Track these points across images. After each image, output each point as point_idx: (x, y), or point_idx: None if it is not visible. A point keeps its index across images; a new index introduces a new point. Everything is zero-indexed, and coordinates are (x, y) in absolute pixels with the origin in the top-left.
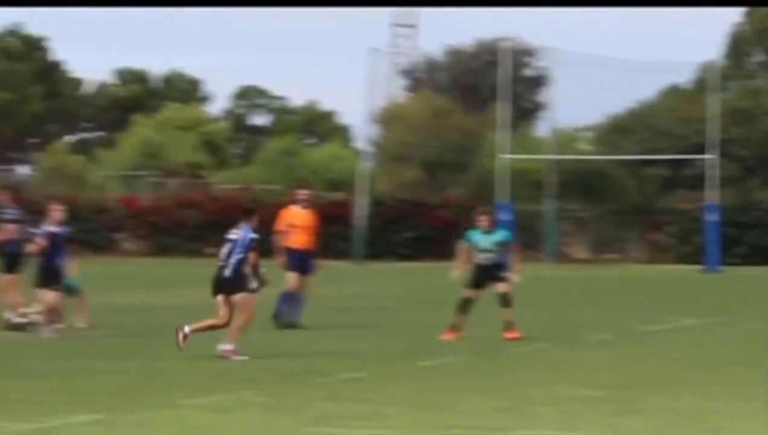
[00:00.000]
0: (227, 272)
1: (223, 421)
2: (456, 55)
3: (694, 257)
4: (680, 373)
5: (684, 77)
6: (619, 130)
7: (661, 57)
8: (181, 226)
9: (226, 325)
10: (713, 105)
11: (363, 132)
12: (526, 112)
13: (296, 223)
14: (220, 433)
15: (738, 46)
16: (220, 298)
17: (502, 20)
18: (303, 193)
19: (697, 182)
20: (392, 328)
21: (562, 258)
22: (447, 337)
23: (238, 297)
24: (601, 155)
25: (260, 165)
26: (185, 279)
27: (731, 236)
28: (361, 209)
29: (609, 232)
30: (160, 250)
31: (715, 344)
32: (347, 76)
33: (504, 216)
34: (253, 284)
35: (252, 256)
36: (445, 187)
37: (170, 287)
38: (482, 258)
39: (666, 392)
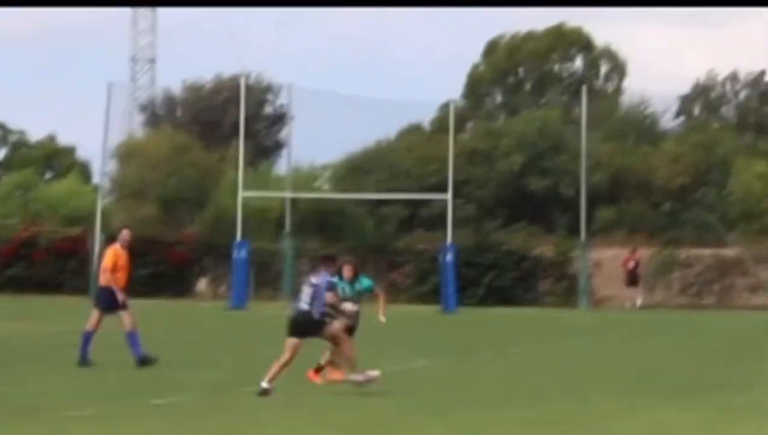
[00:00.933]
0: (315, 315)
1: None
2: (195, 91)
3: (431, 297)
4: (408, 415)
5: (424, 117)
6: (357, 169)
7: (403, 97)
8: None
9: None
10: (451, 145)
11: (100, 167)
12: (265, 149)
13: (120, 264)
14: None
15: (477, 86)
16: (294, 340)
17: (242, 55)
18: (126, 233)
19: (435, 222)
20: (124, 365)
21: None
22: (313, 377)
23: (327, 333)
24: (338, 194)
25: None
26: None
27: (468, 277)
28: (97, 245)
29: None
30: None
31: (446, 385)
32: (86, 110)
33: (240, 254)
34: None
35: (330, 296)
36: (182, 224)
37: None
38: (347, 306)
39: (394, 433)
